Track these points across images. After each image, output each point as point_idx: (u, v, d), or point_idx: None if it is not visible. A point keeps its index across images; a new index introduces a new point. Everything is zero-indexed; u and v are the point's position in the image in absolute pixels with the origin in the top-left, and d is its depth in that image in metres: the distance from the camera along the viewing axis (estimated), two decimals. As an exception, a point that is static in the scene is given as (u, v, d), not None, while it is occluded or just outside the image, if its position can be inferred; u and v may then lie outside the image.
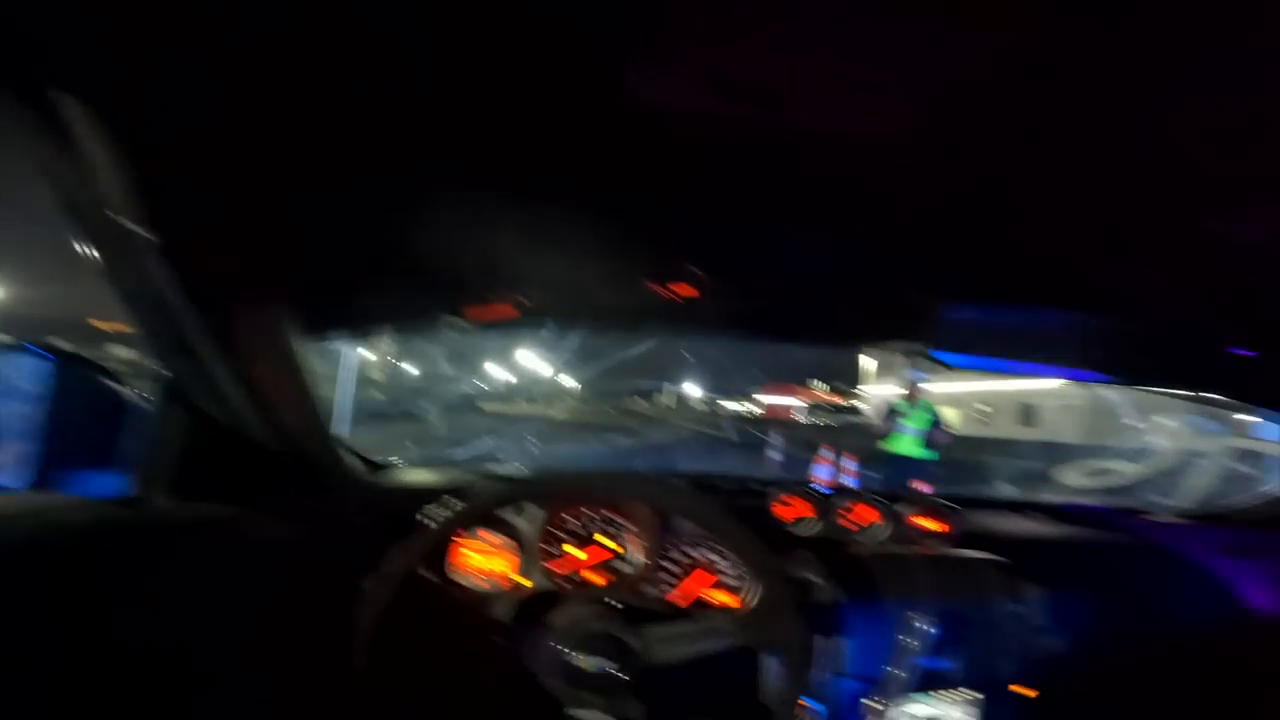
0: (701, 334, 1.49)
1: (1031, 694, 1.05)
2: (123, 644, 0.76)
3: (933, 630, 1.01)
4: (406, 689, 0.80)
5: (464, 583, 1.06)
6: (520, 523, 1.06)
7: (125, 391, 0.91)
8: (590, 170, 0.88)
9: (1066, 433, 14.50)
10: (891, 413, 5.55)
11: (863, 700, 0.98)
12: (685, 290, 1.23)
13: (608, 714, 0.77)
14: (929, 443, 5.41)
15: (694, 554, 1.11)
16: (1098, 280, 1.01)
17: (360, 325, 1.25)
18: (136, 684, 0.79)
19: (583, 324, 1.47)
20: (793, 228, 0.99)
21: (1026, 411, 17.98)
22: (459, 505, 0.78)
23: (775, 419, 20.62)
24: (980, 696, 1.03)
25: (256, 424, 0.96)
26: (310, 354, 1.04)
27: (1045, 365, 1.33)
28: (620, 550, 1.09)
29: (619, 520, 1.11)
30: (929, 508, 1.30)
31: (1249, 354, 1.23)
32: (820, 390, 27.09)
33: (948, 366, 1.30)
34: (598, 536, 1.11)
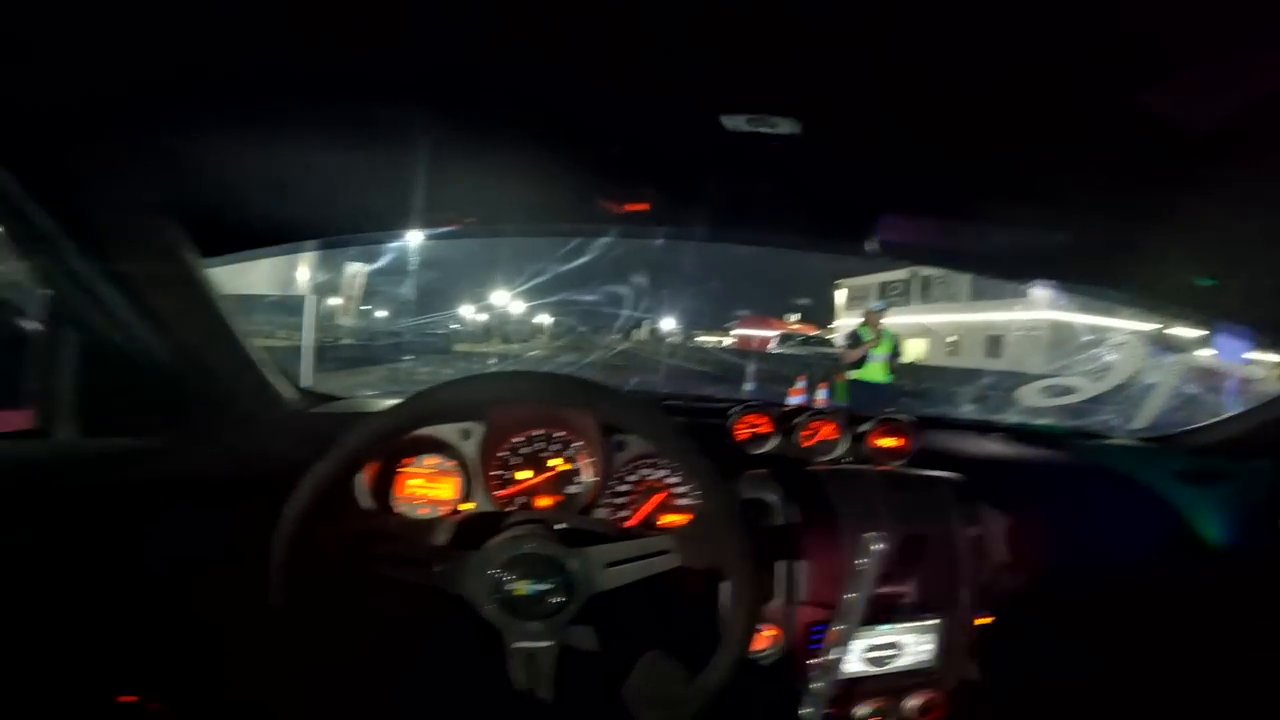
0: (649, 238, 1.47)
1: (988, 620, 1.03)
2: (28, 583, 0.71)
3: (892, 553, 0.96)
4: (329, 623, 0.76)
5: (406, 511, 1.02)
6: (464, 446, 1.02)
7: (18, 323, 0.83)
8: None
9: (1029, 362, 14.92)
10: (856, 340, 5.62)
11: (821, 628, 0.93)
12: (634, 206, 1.21)
13: (550, 642, 0.73)
14: (891, 369, 5.54)
15: (652, 476, 1.08)
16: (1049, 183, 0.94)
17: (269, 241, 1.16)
18: (44, 624, 0.74)
19: (530, 233, 1.43)
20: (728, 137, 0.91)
21: (993, 342, 18.41)
22: (374, 423, 0.71)
23: (751, 350, 20.80)
24: (940, 623, 0.99)
25: (160, 350, 0.89)
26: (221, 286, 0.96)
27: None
28: (568, 467, 1.07)
29: (572, 440, 1.07)
30: (888, 425, 1.28)
31: (1209, 282, 1.21)
32: (794, 323, 27.30)
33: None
34: (550, 461, 1.08)
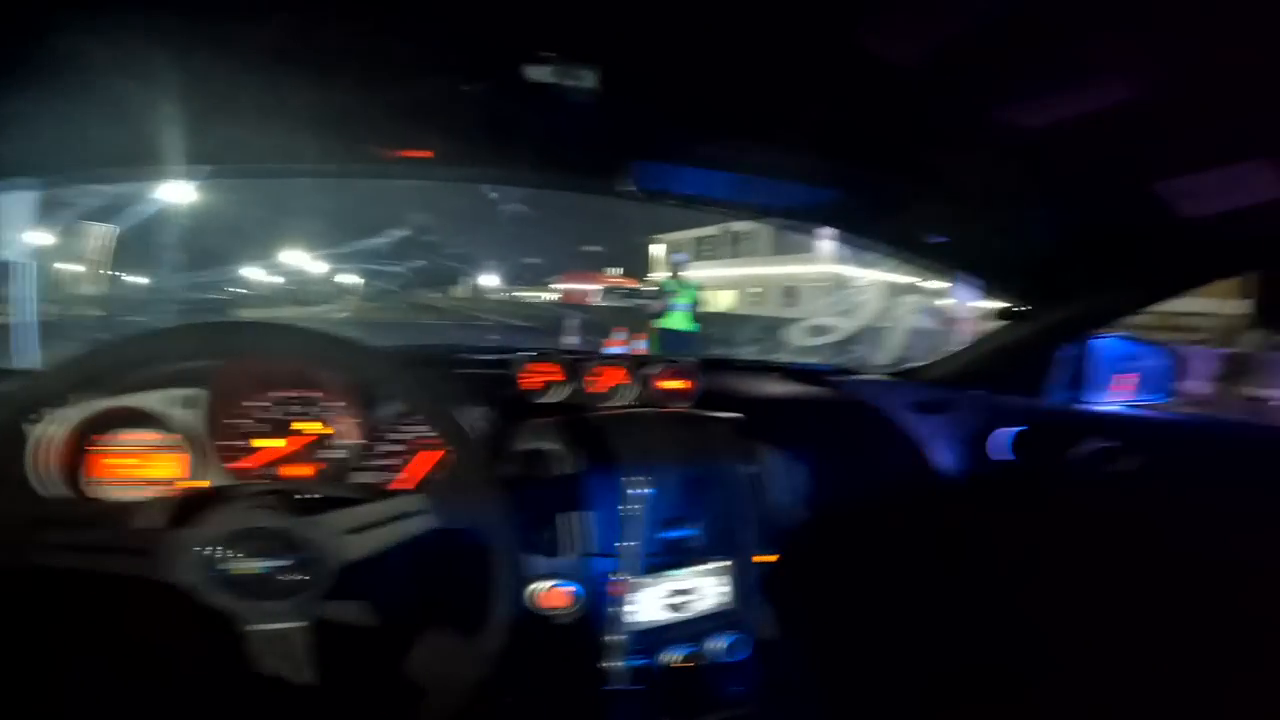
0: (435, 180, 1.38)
1: (773, 559, 1.08)
2: None
3: (674, 496, 0.99)
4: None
5: (104, 494, 0.85)
6: (183, 415, 0.87)
7: None
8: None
9: (819, 310, 16.84)
10: (662, 292, 5.94)
11: (614, 577, 0.93)
12: (418, 153, 1.16)
13: (299, 623, 0.66)
14: (695, 317, 5.94)
15: (423, 433, 1.01)
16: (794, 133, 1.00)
17: None
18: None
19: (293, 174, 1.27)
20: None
21: (789, 292, 20.46)
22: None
23: (573, 304, 20.87)
24: (731, 564, 1.03)
25: None
26: None
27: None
28: (327, 432, 0.96)
29: (326, 401, 0.96)
30: (672, 369, 1.33)
31: (940, 239, 1.37)
32: (617, 276, 27.88)
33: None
34: (300, 425, 0.96)
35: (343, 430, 0.97)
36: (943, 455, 1.50)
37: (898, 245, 1.50)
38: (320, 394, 0.97)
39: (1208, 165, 0.85)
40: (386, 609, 0.77)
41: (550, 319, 15.24)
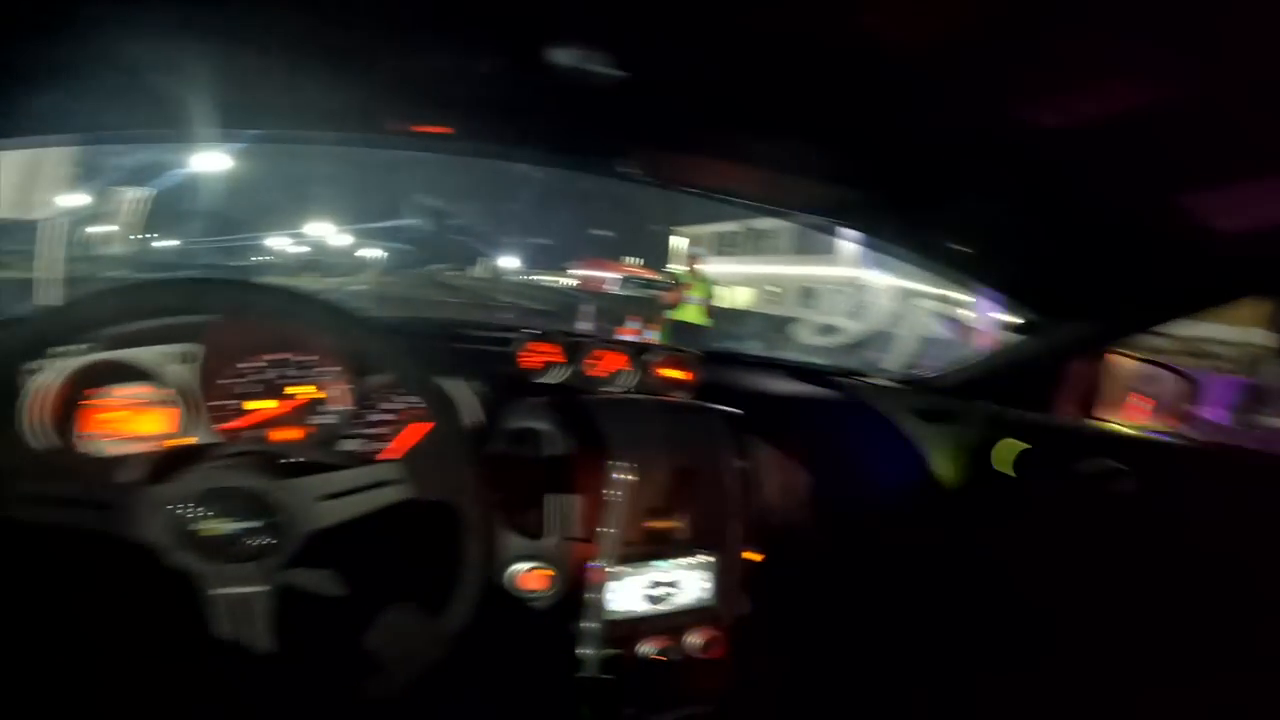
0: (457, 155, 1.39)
1: (759, 557, 1.06)
2: None
3: (660, 485, 0.97)
4: None
5: (93, 449, 0.85)
6: (178, 371, 0.87)
7: None
8: None
9: (834, 311, 16.69)
10: (677, 284, 5.93)
11: (595, 565, 0.91)
12: (438, 129, 1.17)
13: (261, 587, 0.65)
14: (710, 312, 5.92)
15: (410, 401, 1.00)
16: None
17: None
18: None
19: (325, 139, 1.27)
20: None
21: (807, 293, 20.30)
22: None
23: (590, 291, 20.87)
24: (714, 560, 1.01)
25: None
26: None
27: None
28: (317, 395, 0.96)
29: (319, 365, 0.96)
30: (674, 357, 1.31)
31: (964, 249, 1.34)
32: (636, 266, 27.82)
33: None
34: (291, 389, 0.96)
35: (335, 395, 0.97)
36: (944, 466, 1.46)
37: (915, 250, 1.46)
38: (315, 358, 0.96)
39: (1229, 180, 0.82)
40: (351, 579, 0.76)
41: (566, 304, 15.29)
